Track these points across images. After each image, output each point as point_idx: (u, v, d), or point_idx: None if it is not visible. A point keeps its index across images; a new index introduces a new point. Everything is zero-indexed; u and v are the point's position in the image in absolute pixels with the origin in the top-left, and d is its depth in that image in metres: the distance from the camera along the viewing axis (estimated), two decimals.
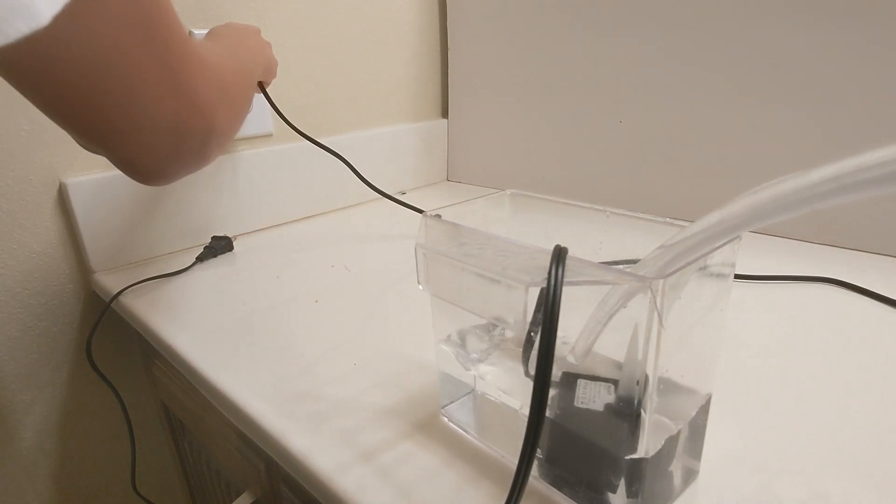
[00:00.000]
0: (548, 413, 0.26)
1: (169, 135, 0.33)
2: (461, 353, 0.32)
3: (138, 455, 0.76)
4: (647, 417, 0.24)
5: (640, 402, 0.24)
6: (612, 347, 0.25)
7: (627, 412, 0.25)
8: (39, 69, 0.27)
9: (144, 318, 0.53)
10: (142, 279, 0.60)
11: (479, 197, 0.34)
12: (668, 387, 0.25)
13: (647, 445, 0.25)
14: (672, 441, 0.27)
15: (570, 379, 0.26)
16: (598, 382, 0.26)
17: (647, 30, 0.70)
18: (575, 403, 0.26)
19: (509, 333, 0.31)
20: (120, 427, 0.72)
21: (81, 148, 0.37)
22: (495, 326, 0.32)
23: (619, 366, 0.24)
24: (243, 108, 0.46)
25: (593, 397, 0.26)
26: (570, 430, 0.27)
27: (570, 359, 0.25)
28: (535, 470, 0.31)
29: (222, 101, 0.38)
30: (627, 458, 0.25)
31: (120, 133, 0.31)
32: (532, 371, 0.27)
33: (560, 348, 0.24)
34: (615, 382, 0.25)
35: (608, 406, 0.25)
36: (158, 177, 0.37)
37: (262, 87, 0.63)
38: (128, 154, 0.33)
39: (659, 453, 0.26)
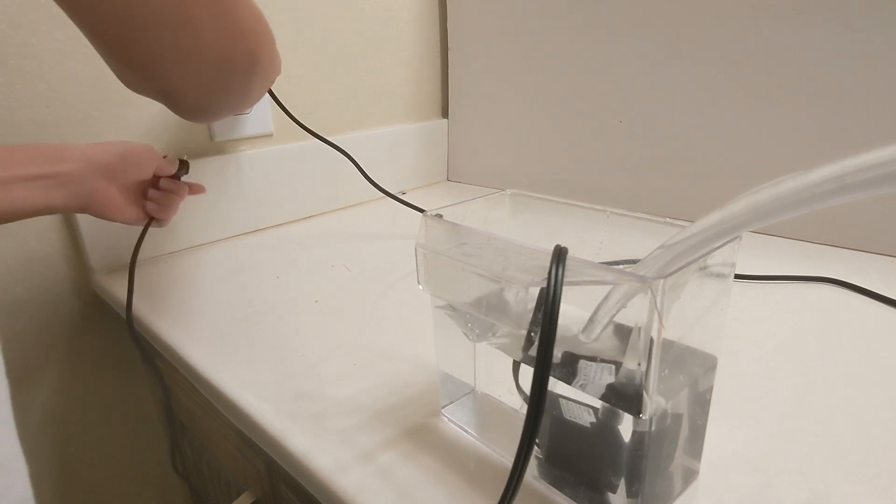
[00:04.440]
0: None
1: (215, 63, 0.34)
2: (460, 320, 0.32)
3: (139, 454, 0.75)
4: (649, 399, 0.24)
5: (641, 384, 0.24)
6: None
7: (630, 392, 0.24)
8: None
9: (144, 318, 0.53)
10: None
11: (479, 197, 0.34)
12: (669, 385, 0.25)
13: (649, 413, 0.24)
14: (672, 440, 0.27)
15: (571, 359, 0.26)
16: (600, 364, 0.25)
17: (648, 30, 0.70)
18: (574, 388, 0.26)
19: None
20: (120, 427, 0.72)
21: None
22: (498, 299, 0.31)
23: (626, 331, 0.24)
24: (276, 55, 0.45)
25: (593, 380, 0.25)
26: (569, 419, 0.27)
27: (582, 337, 0.25)
28: (535, 470, 0.31)
29: (264, 34, 0.38)
30: (631, 430, 0.25)
31: (168, 60, 0.32)
32: (530, 353, 0.27)
33: (568, 328, 0.24)
34: (617, 365, 0.25)
35: (610, 387, 0.25)
36: (202, 111, 0.37)
37: None
38: (174, 84, 0.34)
39: (659, 450, 0.26)
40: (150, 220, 0.58)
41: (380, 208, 0.87)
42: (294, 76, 0.78)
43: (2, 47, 0.54)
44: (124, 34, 0.30)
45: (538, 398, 0.22)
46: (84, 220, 0.62)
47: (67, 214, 0.62)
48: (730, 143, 0.67)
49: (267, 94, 0.65)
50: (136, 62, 0.32)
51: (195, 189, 0.64)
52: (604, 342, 0.24)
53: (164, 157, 0.57)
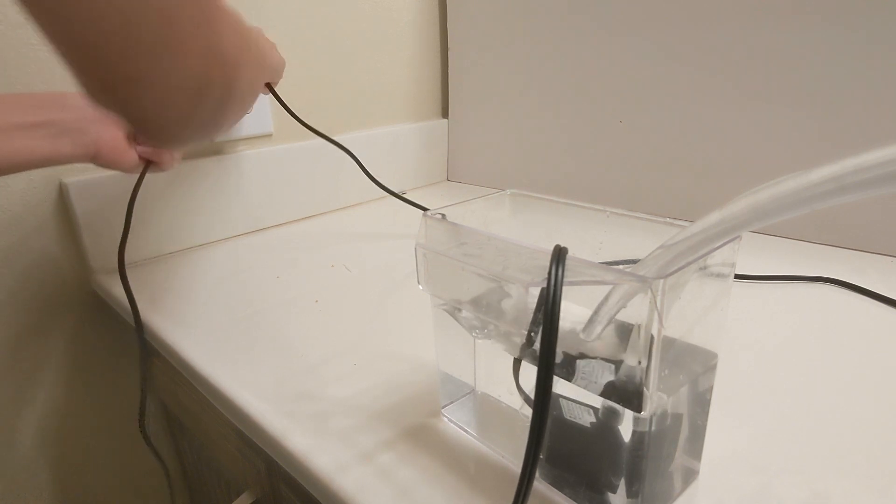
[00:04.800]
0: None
1: (191, 87, 0.32)
2: (459, 315, 0.32)
3: (139, 453, 0.75)
4: (650, 393, 0.24)
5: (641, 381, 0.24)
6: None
7: (630, 389, 0.24)
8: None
9: (144, 317, 0.53)
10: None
11: (479, 197, 0.34)
12: (669, 385, 0.25)
13: (650, 410, 0.24)
14: (672, 440, 0.27)
15: (571, 358, 0.26)
16: (601, 362, 0.25)
17: (648, 30, 0.70)
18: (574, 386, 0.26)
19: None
20: (120, 427, 0.72)
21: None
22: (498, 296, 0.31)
23: (627, 329, 0.24)
24: (258, 77, 0.42)
25: (594, 378, 0.25)
26: (569, 419, 0.27)
27: (583, 337, 0.25)
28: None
29: (245, 57, 0.36)
30: (631, 430, 0.25)
31: (142, 80, 0.30)
32: (531, 350, 0.27)
33: (569, 327, 0.24)
34: (617, 363, 0.25)
35: (610, 385, 0.25)
36: (170, 137, 0.35)
37: (270, 87, 0.63)
38: (144, 106, 0.31)
39: (659, 450, 0.26)
40: (148, 165, 0.55)
41: (380, 208, 0.87)
42: (294, 76, 0.78)
43: (2, 47, 0.55)
44: (100, 53, 0.28)
45: (542, 407, 0.22)
46: (84, 220, 0.62)
47: (68, 214, 0.62)
48: (730, 143, 0.67)
49: (268, 95, 0.65)
50: (103, 76, 0.29)
51: None
52: (604, 340, 0.24)
53: None
